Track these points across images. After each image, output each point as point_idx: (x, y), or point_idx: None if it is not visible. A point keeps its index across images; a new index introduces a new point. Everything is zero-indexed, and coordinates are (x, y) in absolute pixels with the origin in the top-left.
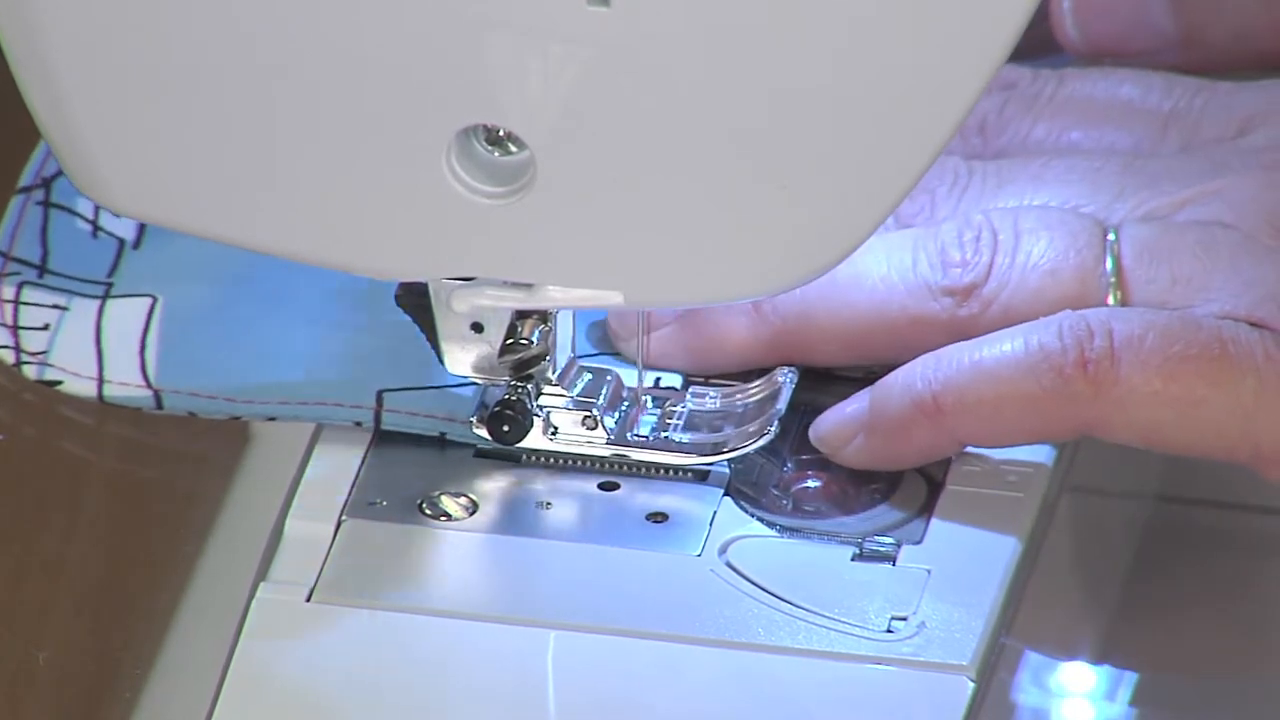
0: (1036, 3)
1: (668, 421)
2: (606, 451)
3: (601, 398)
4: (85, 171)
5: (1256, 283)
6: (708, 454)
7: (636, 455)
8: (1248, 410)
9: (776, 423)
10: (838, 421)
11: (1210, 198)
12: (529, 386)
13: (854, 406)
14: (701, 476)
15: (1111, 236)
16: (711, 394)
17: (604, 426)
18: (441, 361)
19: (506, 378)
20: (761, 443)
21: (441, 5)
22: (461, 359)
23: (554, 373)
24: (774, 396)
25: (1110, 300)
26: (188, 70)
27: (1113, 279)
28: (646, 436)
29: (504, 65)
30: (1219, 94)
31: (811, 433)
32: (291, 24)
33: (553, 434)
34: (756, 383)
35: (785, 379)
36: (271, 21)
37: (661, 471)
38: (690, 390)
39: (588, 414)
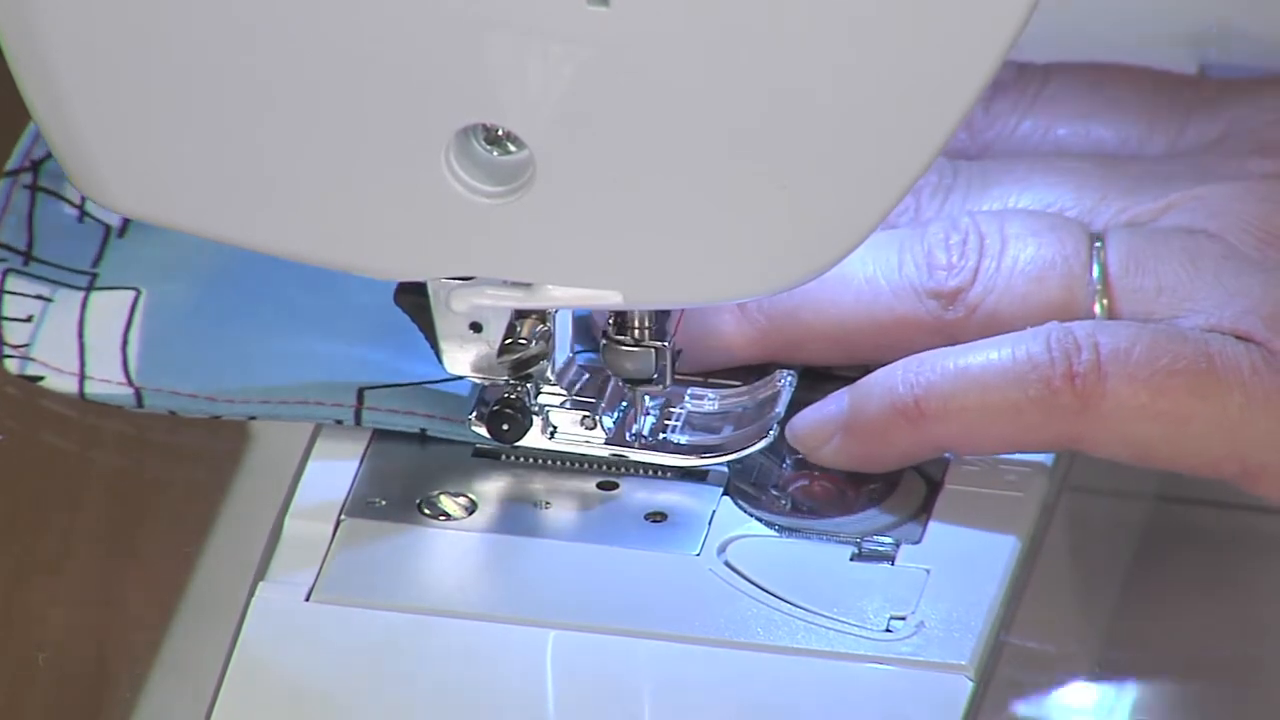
0: (1036, 3)
1: (666, 422)
2: (605, 451)
3: (600, 397)
4: (85, 171)
5: (1240, 294)
6: (706, 455)
7: (635, 455)
8: (1234, 424)
9: (776, 425)
10: (815, 421)
11: (1192, 203)
12: (528, 386)
13: (833, 406)
14: (700, 476)
15: (1098, 244)
16: (710, 395)
17: (602, 426)
18: (441, 361)
19: (505, 377)
20: (760, 446)
21: (441, 5)
22: (460, 359)
23: (553, 372)
24: (773, 399)
25: (1097, 308)
26: (188, 70)
27: (1099, 286)
28: (645, 437)
29: (504, 65)
30: (1206, 92)
31: (788, 431)
32: (291, 24)
33: (551, 434)
34: (756, 384)
35: (784, 382)
36: (271, 21)
37: (660, 471)
38: (689, 391)
39: (586, 414)
